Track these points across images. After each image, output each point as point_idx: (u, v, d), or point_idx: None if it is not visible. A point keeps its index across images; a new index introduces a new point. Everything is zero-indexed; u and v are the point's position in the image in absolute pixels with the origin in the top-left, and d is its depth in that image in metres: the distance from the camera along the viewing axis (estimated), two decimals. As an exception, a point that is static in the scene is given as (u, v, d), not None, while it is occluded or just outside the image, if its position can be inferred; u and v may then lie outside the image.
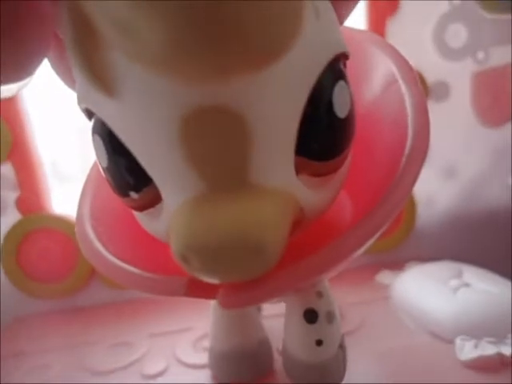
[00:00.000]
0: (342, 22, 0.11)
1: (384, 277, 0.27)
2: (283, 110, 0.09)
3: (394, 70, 0.13)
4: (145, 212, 0.11)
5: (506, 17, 0.29)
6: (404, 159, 0.11)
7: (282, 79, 0.09)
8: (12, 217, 0.28)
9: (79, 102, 0.10)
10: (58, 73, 0.11)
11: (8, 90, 0.10)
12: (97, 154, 0.10)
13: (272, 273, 0.10)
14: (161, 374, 0.19)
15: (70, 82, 0.11)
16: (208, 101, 0.08)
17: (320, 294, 0.15)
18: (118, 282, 0.12)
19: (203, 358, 0.20)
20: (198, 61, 0.07)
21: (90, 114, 0.10)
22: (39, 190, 0.28)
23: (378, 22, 0.28)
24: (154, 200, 0.10)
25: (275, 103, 0.09)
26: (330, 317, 0.15)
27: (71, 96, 0.11)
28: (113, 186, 0.11)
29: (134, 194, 0.10)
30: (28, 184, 0.28)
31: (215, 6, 0.07)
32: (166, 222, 0.10)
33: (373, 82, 0.14)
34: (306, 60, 0.09)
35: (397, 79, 0.13)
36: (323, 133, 0.10)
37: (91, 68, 0.08)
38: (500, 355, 0.17)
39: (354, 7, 0.11)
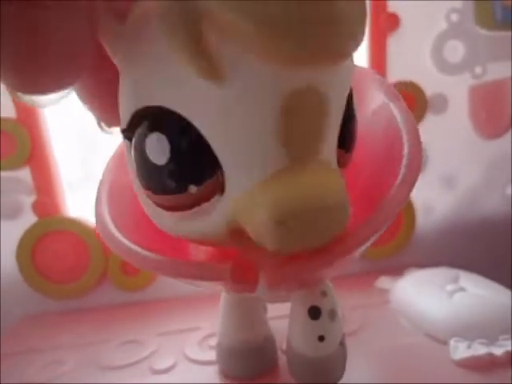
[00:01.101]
0: None
1: (384, 282, 0.28)
2: (343, 97, 0.11)
3: (383, 96, 0.15)
4: (194, 210, 0.11)
5: (503, 33, 0.30)
6: (401, 170, 0.13)
7: (343, 74, 0.11)
8: (28, 220, 0.29)
9: (136, 102, 0.11)
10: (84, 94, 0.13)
11: (50, 100, 0.11)
12: (151, 154, 0.11)
13: (305, 255, 0.11)
14: (170, 369, 0.21)
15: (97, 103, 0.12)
16: (304, 83, 0.10)
17: (324, 293, 0.16)
18: (163, 274, 0.12)
19: (210, 355, 0.21)
20: (298, 52, 0.09)
21: (145, 114, 0.11)
22: (55, 194, 0.29)
23: (379, 39, 0.30)
24: (214, 191, 0.11)
25: (342, 89, 0.11)
26: (333, 315, 0.16)
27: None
28: (165, 185, 0.11)
29: (193, 188, 0.11)
30: (44, 188, 0.29)
31: (320, 7, 0.09)
32: (223, 214, 0.11)
33: (365, 107, 0.16)
34: (349, 65, 0.11)
35: (386, 102, 0.15)
36: (350, 126, 0.12)
37: (201, 59, 0.09)
38: (491, 355, 0.18)
39: None
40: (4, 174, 0.29)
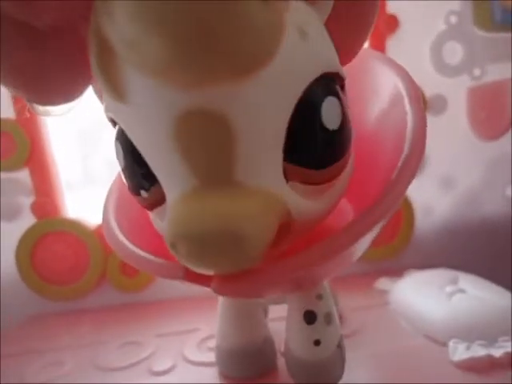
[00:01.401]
0: (354, 53, 0.13)
1: (383, 284, 0.28)
2: (267, 117, 0.10)
3: (401, 88, 0.14)
4: (154, 211, 0.12)
5: (501, 35, 0.30)
6: (399, 164, 0.12)
7: (265, 89, 0.10)
8: (27, 221, 0.29)
9: (106, 112, 0.12)
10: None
11: (59, 110, 0.11)
12: (117, 158, 0.12)
13: (263, 266, 0.11)
14: (168, 371, 0.20)
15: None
16: (195, 104, 0.09)
17: (320, 297, 0.16)
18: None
19: (209, 356, 0.21)
20: (186, 71, 0.09)
21: (114, 122, 0.11)
22: (54, 196, 0.29)
23: (378, 40, 0.30)
24: (161, 199, 0.11)
25: (259, 110, 0.10)
26: (329, 318, 0.16)
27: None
28: (129, 186, 0.12)
29: (144, 193, 0.12)
30: (43, 189, 0.29)
31: (201, 27, 0.08)
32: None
33: (380, 100, 0.15)
34: (290, 74, 0.10)
35: (402, 98, 0.13)
36: (312, 142, 0.11)
37: (108, 79, 0.10)
38: (490, 357, 0.18)
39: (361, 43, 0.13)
40: (3, 175, 0.29)
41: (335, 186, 0.12)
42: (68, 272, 0.29)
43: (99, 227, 0.29)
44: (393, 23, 0.30)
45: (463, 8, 0.30)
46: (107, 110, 0.11)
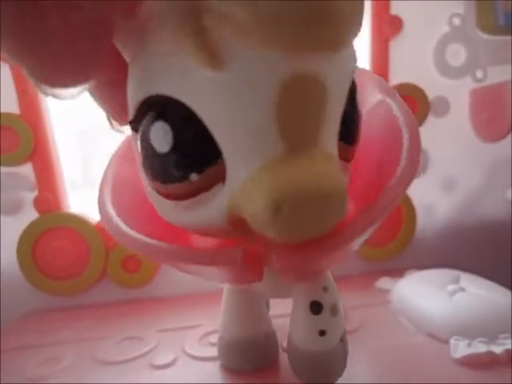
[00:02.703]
0: None
1: (384, 283, 0.28)
2: (342, 90, 0.11)
3: (381, 93, 0.15)
4: (193, 199, 0.12)
5: (504, 38, 0.31)
6: (401, 162, 0.13)
7: (343, 65, 0.11)
8: (29, 216, 0.29)
9: (142, 92, 0.11)
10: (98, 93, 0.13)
11: (70, 94, 0.11)
12: (156, 143, 0.11)
13: (315, 240, 0.11)
14: (169, 365, 0.20)
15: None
16: (302, 69, 0.10)
17: (326, 288, 0.16)
18: (173, 262, 0.13)
19: (210, 351, 0.21)
20: (297, 38, 0.09)
21: (150, 104, 0.11)
22: (57, 191, 0.29)
23: (381, 42, 0.30)
24: (214, 181, 0.11)
25: (340, 81, 0.11)
26: (334, 310, 0.16)
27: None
28: (168, 173, 0.11)
29: (194, 176, 0.11)
30: (46, 184, 0.29)
31: None
32: (224, 202, 0.11)
33: (364, 104, 0.16)
34: (350, 57, 0.12)
35: (383, 99, 0.15)
36: (352, 120, 0.12)
37: (204, 47, 0.10)
38: (491, 354, 0.18)
39: None
40: (6, 169, 0.29)
41: (348, 170, 0.13)
42: (69, 267, 0.29)
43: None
44: (396, 24, 0.30)
45: (467, 10, 0.30)
46: (154, 86, 0.11)
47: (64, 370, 0.21)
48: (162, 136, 0.11)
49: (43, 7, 0.10)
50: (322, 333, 0.16)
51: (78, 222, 0.29)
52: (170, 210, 0.13)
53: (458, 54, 0.31)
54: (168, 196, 0.12)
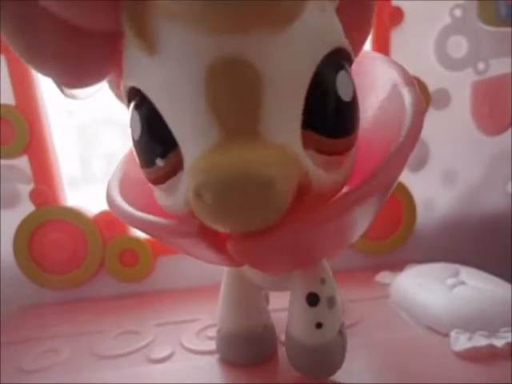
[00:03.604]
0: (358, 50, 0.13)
1: (384, 277, 0.28)
2: (292, 75, 0.10)
3: (395, 75, 0.14)
4: (166, 184, 0.12)
5: (506, 30, 0.30)
6: (400, 137, 0.12)
7: (291, 47, 0.10)
8: (25, 209, 0.29)
9: (126, 83, 0.12)
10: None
11: (83, 93, 0.12)
12: (132, 130, 0.12)
13: (278, 225, 0.11)
14: (167, 359, 0.20)
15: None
16: (229, 51, 0.10)
17: (323, 281, 0.16)
18: (138, 229, 0.13)
19: (207, 345, 0.21)
20: (222, 16, 0.09)
21: (133, 93, 0.11)
22: (53, 183, 0.29)
23: (382, 34, 0.30)
24: (176, 168, 0.11)
25: (285, 65, 0.10)
26: (331, 302, 0.16)
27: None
28: (142, 158, 0.12)
29: (160, 162, 0.11)
30: (42, 177, 0.29)
31: None
32: (185, 188, 0.11)
33: (378, 90, 0.15)
34: (311, 38, 0.11)
35: (397, 82, 0.14)
36: (328, 108, 0.11)
37: (140, 32, 0.10)
38: (492, 347, 0.18)
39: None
40: (2, 161, 0.28)
41: (345, 163, 0.12)
42: (66, 261, 0.29)
43: (98, 216, 0.29)
44: (397, 15, 0.29)
45: (468, 2, 0.30)
46: (129, 77, 0.11)
47: (62, 363, 0.21)
48: (134, 122, 0.12)
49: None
50: (319, 325, 0.15)
51: (75, 215, 0.29)
52: (156, 195, 0.13)
53: (459, 46, 0.30)
54: (149, 180, 0.13)
